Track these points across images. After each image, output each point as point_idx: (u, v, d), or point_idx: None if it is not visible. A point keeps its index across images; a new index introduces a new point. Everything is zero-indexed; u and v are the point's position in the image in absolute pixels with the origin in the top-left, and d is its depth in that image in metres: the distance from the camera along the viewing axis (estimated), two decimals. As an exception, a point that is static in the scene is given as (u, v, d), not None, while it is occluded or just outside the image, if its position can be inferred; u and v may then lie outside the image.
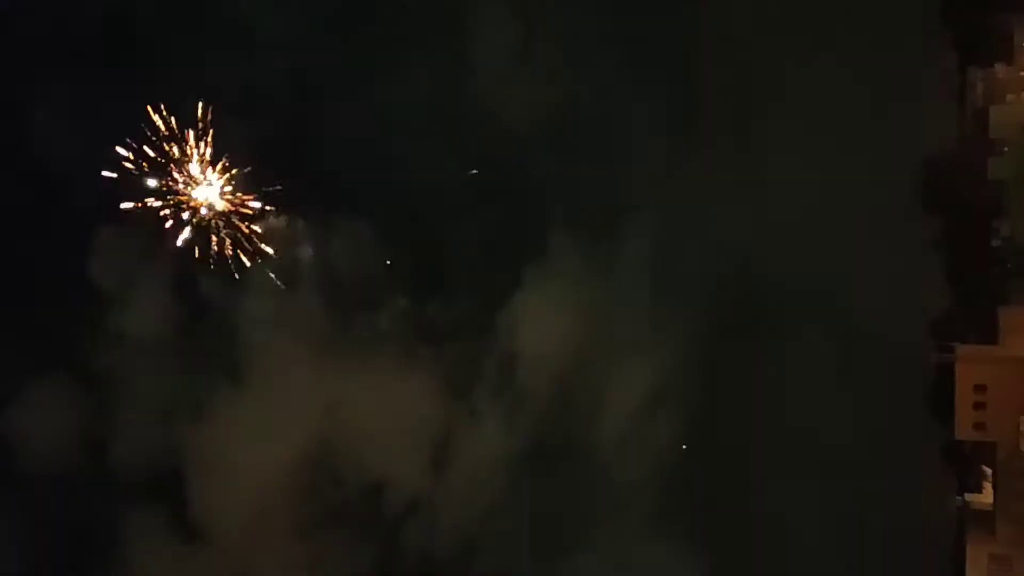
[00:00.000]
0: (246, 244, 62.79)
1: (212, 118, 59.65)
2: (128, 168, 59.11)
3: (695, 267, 64.16)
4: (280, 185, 62.32)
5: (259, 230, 62.99)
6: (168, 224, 60.76)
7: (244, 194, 62.52)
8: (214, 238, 61.95)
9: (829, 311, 62.77)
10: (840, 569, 62.78)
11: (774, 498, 63.37)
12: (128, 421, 62.09)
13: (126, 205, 59.19)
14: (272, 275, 64.52)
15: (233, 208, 62.30)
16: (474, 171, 66.13)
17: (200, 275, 62.14)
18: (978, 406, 60.54)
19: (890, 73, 61.41)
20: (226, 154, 61.14)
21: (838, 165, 62.15)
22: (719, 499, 65.32)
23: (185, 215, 61.13)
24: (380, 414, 64.66)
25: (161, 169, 60.18)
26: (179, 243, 61.25)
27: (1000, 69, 63.70)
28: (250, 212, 62.52)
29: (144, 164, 59.44)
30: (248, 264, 62.87)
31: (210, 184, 61.65)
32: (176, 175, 60.53)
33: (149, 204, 59.79)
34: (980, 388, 60.49)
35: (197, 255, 61.55)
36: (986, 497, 62.89)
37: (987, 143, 63.40)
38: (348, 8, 62.67)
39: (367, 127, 62.96)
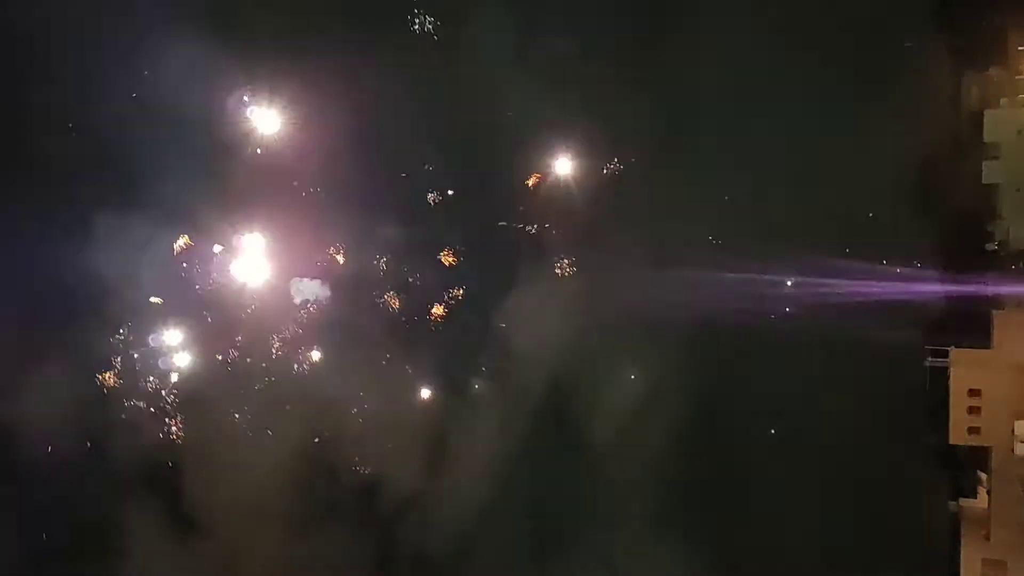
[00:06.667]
0: None
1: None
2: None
3: (690, 268, 64.24)
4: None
5: None
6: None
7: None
8: None
9: (822, 315, 62.86)
10: (835, 573, 62.67)
11: (768, 502, 63.29)
12: (124, 413, 62.69)
13: None
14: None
15: None
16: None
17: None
18: (972, 410, 60.09)
19: (884, 76, 61.64)
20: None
21: (832, 168, 62.40)
22: (714, 501, 65.28)
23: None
24: (375, 410, 65.07)
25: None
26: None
27: (995, 72, 63.07)
28: None
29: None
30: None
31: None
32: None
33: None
34: (974, 392, 60.06)
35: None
36: (980, 502, 62.09)
37: (982, 147, 63.12)
38: (339, 9, 63.16)
39: (359, 126, 63.53)
